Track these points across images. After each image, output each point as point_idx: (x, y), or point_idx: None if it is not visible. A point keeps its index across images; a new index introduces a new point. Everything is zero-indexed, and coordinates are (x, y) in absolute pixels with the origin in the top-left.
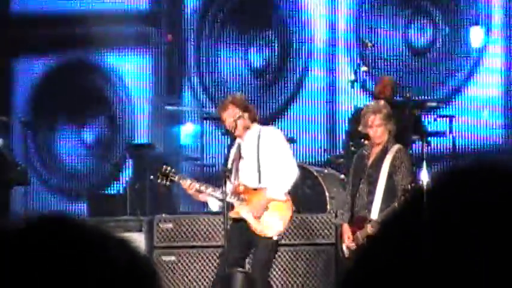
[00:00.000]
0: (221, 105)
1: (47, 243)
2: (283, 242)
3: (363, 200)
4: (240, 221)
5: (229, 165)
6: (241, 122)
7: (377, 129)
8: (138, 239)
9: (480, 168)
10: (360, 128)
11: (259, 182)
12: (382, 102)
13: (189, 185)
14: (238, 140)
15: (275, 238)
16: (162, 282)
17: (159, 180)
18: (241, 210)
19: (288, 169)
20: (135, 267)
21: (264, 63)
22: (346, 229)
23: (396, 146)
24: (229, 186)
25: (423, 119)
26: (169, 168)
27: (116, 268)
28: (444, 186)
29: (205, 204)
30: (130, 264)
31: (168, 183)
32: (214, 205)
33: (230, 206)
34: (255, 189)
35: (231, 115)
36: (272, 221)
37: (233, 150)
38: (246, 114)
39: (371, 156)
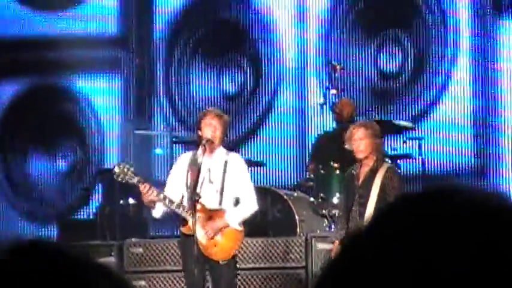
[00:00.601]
0: (213, 112)
1: (24, 268)
2: (253, 265)
3: (355, 221)
4: (192, 238)
5: (187, 185)
6: (220, 140)
7: (360, 142)
8: (108, 264)
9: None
10: (345, 145)
11: (220, 203)
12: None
13: (148, 189)
14: (198, 158)
15: (221, 262)
16: None
17: (115, 177)
18: (195, 227)
19: (250, 200)
20: None
21: (236, 87)
22: (335, 247)
23: (386, 165)
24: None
25: (390, 141)
26: (128, 166)
27: None
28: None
29: (175, 228)
30: None
31: (124, 181)
32: (159, 213)
33: (183, 221)
34: (212, 210)
35: (218, 127)
36: (221, 246)
37: (191, 167)
38: (222, 133)
39: (360, 176)
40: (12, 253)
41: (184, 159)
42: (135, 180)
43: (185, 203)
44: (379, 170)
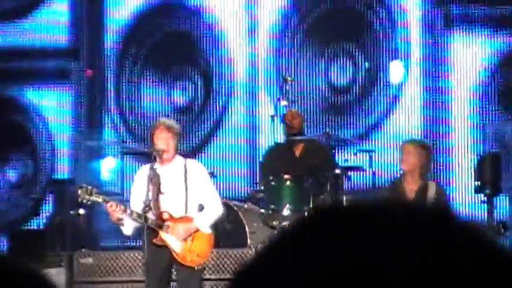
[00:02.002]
0: (164, 123)
1: None
2: (204, 277)
3: None
4: (164, 248)
5: (150, 196)
6: (174, 150)
7: (408, 156)
8: (58, 274)
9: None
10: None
11: (186, 212)
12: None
13: (114, 207)
14: (154, 169)
15: (196, 268)
16: None
17: (79, 199)
18: (166, 237)
19: (215, 203)
20: None
21: (187, 100)
22: None
23: (434, 183)
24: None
25: (340, 153)
26: (90, 187)
27: None
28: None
29: (127, 239)
30: None
31: (88, 203)
32: (129, 229)
33: (154, 233)
34: (180, 218)
35: (170, 138)
36: (196, 251)
37: (150, 179)
38: (176, 143)
39: (407, 193)
40: None
41: (142, 172)
42: (99, 199)
43: (151, 215)
44: (429, 188)
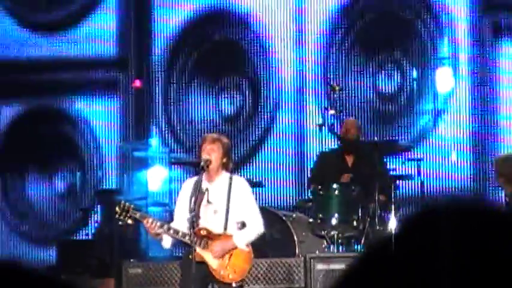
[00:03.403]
0: (211, 136)
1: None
2: (253, 287)
3: None
4: (202, 264)
5: (191, 211)
6: (218, 164)
7: None
8: (107, 285)
9: (448, 208)
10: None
11: (225, 229)
12: None
13: (150, 222)
14: (200, 183)
15: (234, 285)
16: None
17: (117, 216)
18: (204, 253)
19: (256, 222)
20: None
21: (235, 109)
22: None
23: None
24: (183, 227)
25: (389, 162)
26: (128, 204)
27: None
28: (413, 228)
29: (173, 249)
30: None
31: (127, 220)
32: (167, 243)
33: (191, 248)
34: (219, 235)
35: (214, 151)
36: (233, 267)
37: (194, 193)
38: (224, 159)
39: None
40: None
41: (187, 185)
42: (137, 215)
43: (193, 230)
44: None
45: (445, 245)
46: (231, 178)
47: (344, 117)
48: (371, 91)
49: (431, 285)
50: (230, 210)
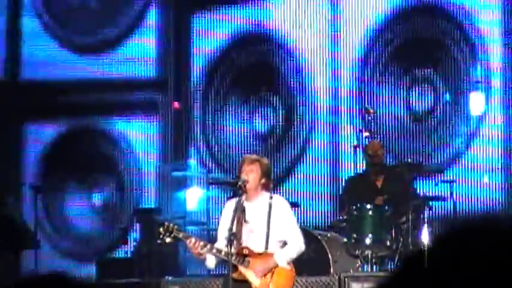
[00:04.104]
0: (249, 158)
1: None
2: None
3: None
4: (244, 283)
5: (234, 229)
6: (257, 184)
7: None
8: None
9: (480, 225)
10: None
11: (266, 248)
12: None
13: (193, 242)
14: (241, 203)
15: None
16: None
17: (161, 236)
18: (246, 272)
19: (296, 241)
20: None
21: (269, 128)
22: None
23: None
24: (225, 248)
25: (421, 184)
26: (171, 224)
27: None
28: (446, 244)
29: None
30: None
31: (170, 240)
32: (211, 263)
33: (233, 267)
34: (260, 254)
35: (252, 172)
36: (276, 285)
37: (235, 213)
38: (263, 180)
39: None
40: (39, 280)
41: (229, 206)
42: (180, 235)
43: (233, 250)
44: None
45: (476, 261)
46: (271, 197)
47: (378, 138)
48: (404, 111)
49: None
50: (271, 229)
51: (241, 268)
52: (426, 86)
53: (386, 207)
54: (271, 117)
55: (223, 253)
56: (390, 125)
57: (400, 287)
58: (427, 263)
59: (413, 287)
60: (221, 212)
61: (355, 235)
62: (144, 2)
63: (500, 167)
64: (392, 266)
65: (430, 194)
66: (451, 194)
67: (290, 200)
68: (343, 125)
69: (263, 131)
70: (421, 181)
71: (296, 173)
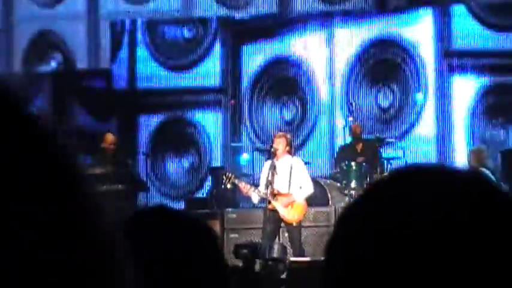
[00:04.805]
0: (278, 134)
1: (156, 219)
2: (308, 224)
3: None
4: (274, 212)
5: (269, 178)
6: (283, 150)
7: None
8: (216, 223)
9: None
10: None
11: (288, 190)
12: None
13: (244, 186)
14: (273, 162)
15: (294, 224)
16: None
17: (224, 183)
18: (276, 204)
19: (308, 186)
20: (196, 233)
21: (291, 116)
22: None
23: None
24: (263, 190)
25: (382, 151)
26: (231, 174)
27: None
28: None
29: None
30: (192, 228)
31: (230, 186)
32: (255, 199)
33: (268, 201)
34: (285, 194)
35: (280, 143)
36: (294, 213)
37: (269, 168)
38: (287, 148)
39: None
40: (150, 210)
41: (266, 164)
42: (236, 181)
43: (269, 191)
44: None
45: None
46: (292, 158)
47: (358, 121)
48: (374, 105)
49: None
50: (292, 178)
51: (273, 202)
52: (388, 89)
53: (364, 164)
54: (293, 110)
55: (262, 193)
56: (366, 113)
57: (361, 206)
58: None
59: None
60: (261, 167)
61: (344, 181)
62: (211, 38)
63: (433, 140)
64: None
65: (390, 155)
66: (404, 154)
67: (304, 160)
68: (337, 113)
69: (287, 118)
70: (384, 148)
71: (308, 143)
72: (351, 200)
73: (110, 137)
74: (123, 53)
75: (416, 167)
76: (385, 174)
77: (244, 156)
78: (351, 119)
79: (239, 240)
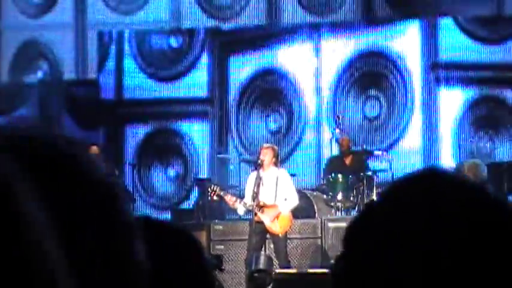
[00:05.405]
0: (266, 146)
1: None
2: (290, 235)
3: None
4: (260, 224)
5: (255, 189)
6: (269, 161)
7: None
8: (202, 235)
9: (424, 175)
10: None
11: (275, 201)
12: None
13: (230, 198)
14: (259, 174)
15: (280, 236)
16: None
17: (210, 195)
18: (262, 216)
19: (293, 198)
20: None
21: (277, 127)
22: None
23: None
24: (249, 201)
25: (369, 162)
26: (215, 186)
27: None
28: (392, 194)
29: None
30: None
31: (216, 197)
32: (241, 211)
33: (254, 213)
34: (270, 205)
35: (267, 154)
36: (280, 224)
37: (255, 180)
38: (274, 160)
39: None
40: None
41: (252, 175)
42: (221, 193)
43: (255, 203)
44: None
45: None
46: (278, 171)
47: (343, 133)
48: (361, 116)
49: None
50: (277, 190)
51: (259, 214)
52: (374, 101)
53: (350, 176)
54: (279, 121)
55: (248, 205)
56: (352, 125)
57: (361, 223)
58: (377, 207)
59: (369, 222)
60: (247, 179)
61: (331, 193)
62: (199, 48)
63: (420, 152)
64: (354, 213)
65: (377, 168)
66: (390, 167)
67: (290, 172)
68: (323, 126)
69: (273, 129)
70: (371, 160)
71: (294, 155)
72: (341, 211)
73: (94, 150)
74: (111, 63)
75: (432, 174)
76: (397, 179)
77: (230, 167)
78: (337, 131)
79: (227, 258)
